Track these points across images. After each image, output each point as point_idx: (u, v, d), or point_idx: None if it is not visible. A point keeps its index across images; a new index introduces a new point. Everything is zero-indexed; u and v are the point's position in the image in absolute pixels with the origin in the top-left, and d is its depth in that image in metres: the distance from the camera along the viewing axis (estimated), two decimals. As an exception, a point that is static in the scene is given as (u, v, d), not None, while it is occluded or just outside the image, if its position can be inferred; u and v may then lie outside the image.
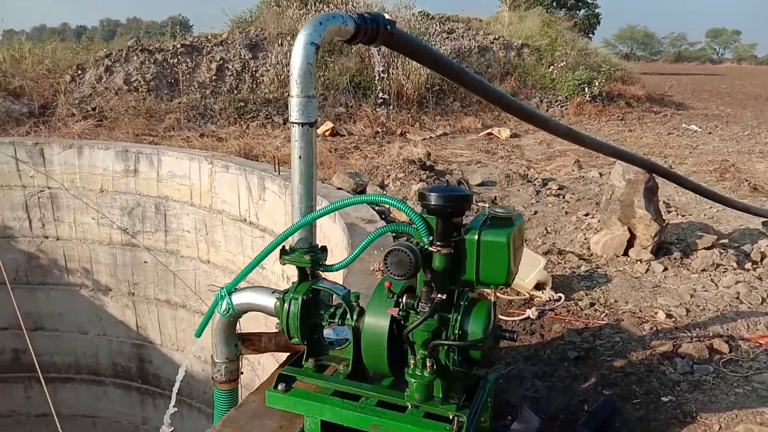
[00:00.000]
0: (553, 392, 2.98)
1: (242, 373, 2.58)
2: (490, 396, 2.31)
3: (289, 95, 2.14)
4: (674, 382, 2.93)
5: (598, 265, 4.58)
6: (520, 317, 3.66)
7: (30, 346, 5.69)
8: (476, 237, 1.86)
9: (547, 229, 5.47)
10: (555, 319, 3.65)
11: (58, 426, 5.03)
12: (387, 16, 2.37)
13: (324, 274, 2.41)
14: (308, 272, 2.26)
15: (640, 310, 3.78)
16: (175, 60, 12.51)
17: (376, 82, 13.15)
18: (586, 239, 5.07)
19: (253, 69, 13.12)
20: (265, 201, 6.42)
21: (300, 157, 2.17)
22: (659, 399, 2.79)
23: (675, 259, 4.63)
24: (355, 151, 9.82)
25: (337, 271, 2.33)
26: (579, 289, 4.09)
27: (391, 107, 13.45)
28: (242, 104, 12.30)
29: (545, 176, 7.85)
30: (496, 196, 6.61)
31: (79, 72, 11.86)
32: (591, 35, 33.13)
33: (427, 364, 1.94)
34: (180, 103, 11.81)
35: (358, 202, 2.20)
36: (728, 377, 2.96)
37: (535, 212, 6.02)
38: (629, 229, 4.75)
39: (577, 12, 33.09)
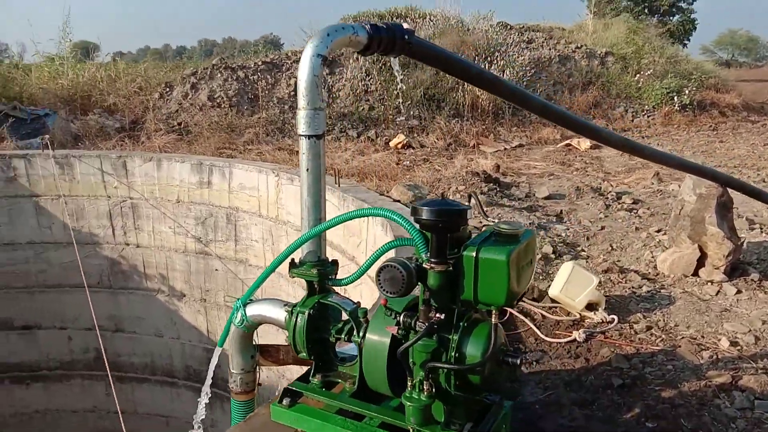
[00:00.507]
0: (592, 422, 2.78)
1: (260, 384, 2.58)
2: (505, 423, 2.17)
3: (297, 108, 2.13)
4: (729, 419, 2.65)
5: (663, 286, 4.27)
6: (565, 339, 3.45)
7: (102, 346, 6.02)
8: (474, 254, 1.76)
9: (612, 246, 5.17)
10: (604, 342, 3.42)
11: (122, 424, 5.28)
12: (405, 26, 2.32)
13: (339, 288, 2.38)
14: (316, 286, 2.23)
15: (702, 336, 3.47)
16: (256, 77, 13.01)
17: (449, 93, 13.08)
18: (653, 257, 4.75)
19: (330, 84, 13.42)
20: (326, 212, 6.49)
21: (308, 170, 2.15)
22: (708, 436, 2.54)
23: (752, 281, 4.24)
24: (424, 163, 9.76)
25: (346, 285, 2.28)
26: (636, 311, 3.82)
27: (465, 119, 13.32)
28: (319, 118, 12.56)
29: (621, 189, 7.46)
30: (562, 210, 6.35)
31: (167, 89, 12.58)
32: (686, 42, 31.39)
33: (425, 387, 1.86)
34: (260, 118, 12.25)
35: (359, 215, 2.15)
36: (793, 416, 2.65)
37: (602, 227, 5.71)
38: (700, 248, 4.40)
39: (671, 18, 31.48)
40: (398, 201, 6.41)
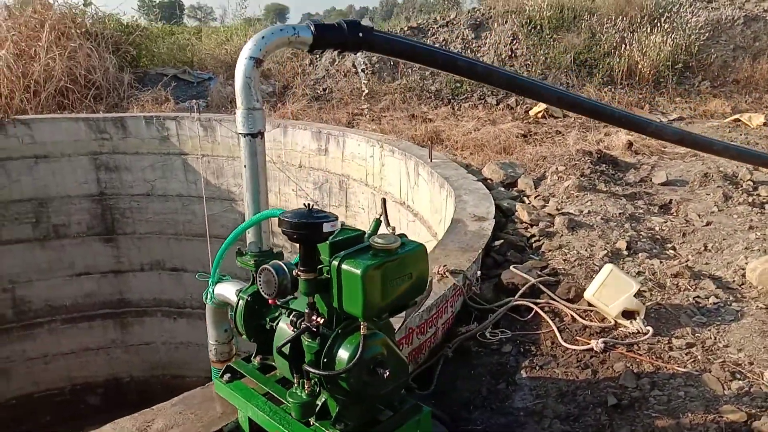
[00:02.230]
0: (567, 438, 2.65)
1: (238, 354, 2.82)
2: (418, 428, 2.18)
3: (236, 107, 2.26)
4: (716, 463, 2.36)
5: (739, 299, 3.76)
6: (582, 347, 3.24)
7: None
8: (337, 264, 1.79)
9: (707, 246, 4.61)
10: (624, 355, 3.15)
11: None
12: (364, 22, 2.33)
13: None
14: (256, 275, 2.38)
15: (749, 363, 3.05)
16: (401, 42, 13.15)
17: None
18: (746, 264, 4.16)
19: (474, 48, 13.13)
20: (418, 186, 6.55)
21: (245, 167, 2.29)
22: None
23: None
24: (556, 135, 9.25)
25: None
26: (686, 325, 3.43)
27: (621, 87, 12.30)
28: (457, 85, 12.45)
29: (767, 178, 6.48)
30: (671, 200, 5.74)
31: (318, 56, 13.24)
32: None
33: (306, 386, 1.95)
34: (399, 84, 12.45)
35: (257, 220, 2.25)
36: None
37: (708, 223, 5.08)
38: (799, 260, 3.78)
39: None
40: (489, 180, 6.25)
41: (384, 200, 2.02)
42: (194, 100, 9.48)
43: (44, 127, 8.82)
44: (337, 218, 1.81)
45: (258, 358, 2.41)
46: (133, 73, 11.29)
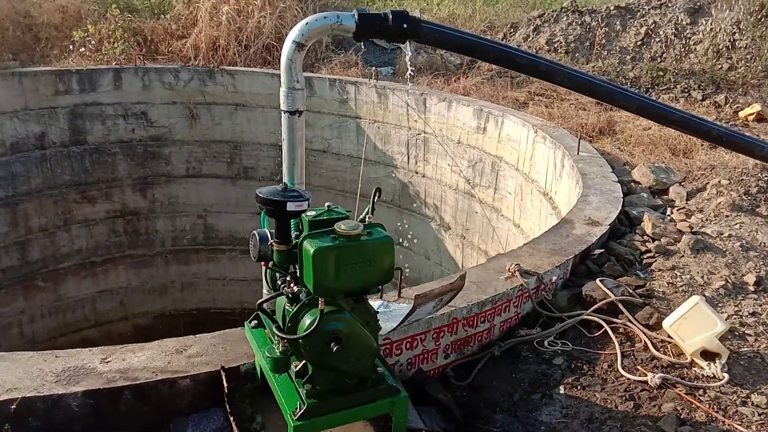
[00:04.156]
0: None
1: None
2: (393, 409, 2.28)
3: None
4: None
5: None
6: (638, 377, 2.98)
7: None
8: (300, 241, 1.93)
9: None
10: (681, 397, 2.84)
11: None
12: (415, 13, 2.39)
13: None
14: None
15: (834, 445, 2.57)
16: (604, 23, 12.29)
17: None
18: None
19: (688, 36, 11.78)
20: (561, 179, 6.24)
21: (284, 140, 2.50)
22: None
23: None
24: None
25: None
26: (779, 383, 2.97)
27: None
28: (660, 73, 11.36)
29: None
30: None
31: (512, 30, 12.93)
32: None
33: (281, 344, 2.16)
34: (593, 67, 11.71)
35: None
36: None
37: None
38: None
39: None
40: (638, 183, 5.76)
41: (378, 189, 2.10)
42: (374, 68, 9.95)
43: (245, 79, 9.97)
44: (306, 199, 1.95)
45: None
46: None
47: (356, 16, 2.32)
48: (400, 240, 9.87)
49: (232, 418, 2.42)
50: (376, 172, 9.78)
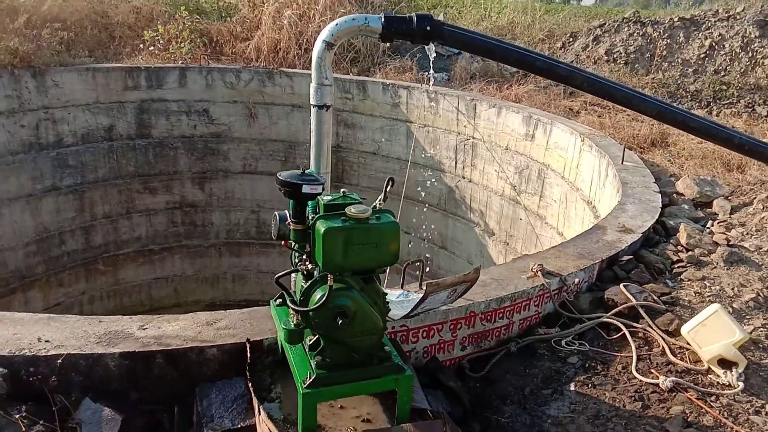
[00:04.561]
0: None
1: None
2: (398, 386, 2.42)
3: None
4: None
5: None
6: (649, 379, 3.02)
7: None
8: (313, 221, 2.11)
9: None
10: (691, 402, 2.86)
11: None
12: (438, 17, 2.55)
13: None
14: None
15: None
16: (666, 34, 12.03)
17: None
18: None
19: (755, 49, 11.38)
20: (605, 188, 6.21)
21: (312, 132, 2.69)
22: None
23: None
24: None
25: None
26: (798, 396, 2.94)
27: None
28: (723, 87, 11.05)
29: None
30: None
31: (571, 39, 12.82)
32: None
33: (295, 317, 2.34)
34: (653, 79, 11.50)
35: None
36: None
37: None
38: None
39: None
40: (679, 194, 5.68)
41: (391, 179, 2.25)
42: (427, 73, 10.10)
43: (302, 81, 10.31)
44: (321, 183, 2.13)
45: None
46: (389, 42, 12.37)
47: (382, 19, 2.49)
48: (442, 244, 9.98)
49: (251, 386, 2.61)
50: (423, 176, 9.92)
